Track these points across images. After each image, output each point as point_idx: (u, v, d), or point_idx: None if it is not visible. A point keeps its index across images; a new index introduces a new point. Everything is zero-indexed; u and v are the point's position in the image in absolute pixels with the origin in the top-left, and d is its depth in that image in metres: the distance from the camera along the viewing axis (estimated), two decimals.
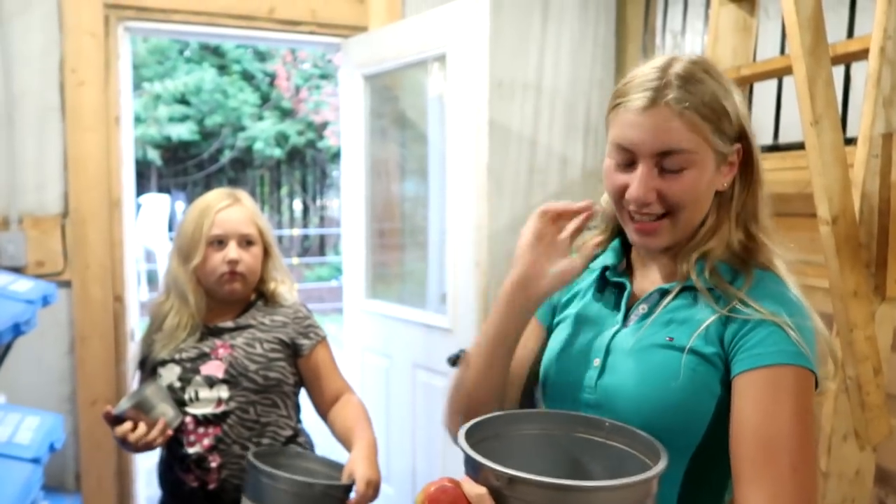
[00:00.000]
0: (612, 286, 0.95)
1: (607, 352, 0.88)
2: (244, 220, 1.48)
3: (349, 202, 2.78)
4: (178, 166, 11.64)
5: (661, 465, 0.71)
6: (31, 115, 2.26)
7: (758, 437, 0.76)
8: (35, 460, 1.63)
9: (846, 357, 1.49)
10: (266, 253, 1.52)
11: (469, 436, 0.75)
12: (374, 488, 1.29)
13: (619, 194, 0.88)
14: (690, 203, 0.85)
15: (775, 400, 0.77)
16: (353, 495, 1.28)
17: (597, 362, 0.88)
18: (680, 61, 0.85)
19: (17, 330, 1.37)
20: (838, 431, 1.63)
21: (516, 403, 1.01)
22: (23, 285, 1.70)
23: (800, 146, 1.89)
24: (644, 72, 0.85)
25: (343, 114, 2.80)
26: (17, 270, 2.17)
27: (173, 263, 1.48)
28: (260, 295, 1.54)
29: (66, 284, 2.30)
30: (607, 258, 0.97)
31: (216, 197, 1.50)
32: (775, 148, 2.04)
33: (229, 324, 1.48)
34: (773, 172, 0.87)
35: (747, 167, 0.89)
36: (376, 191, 2.81)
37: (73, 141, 2.28)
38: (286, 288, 1.53)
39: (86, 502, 2.31)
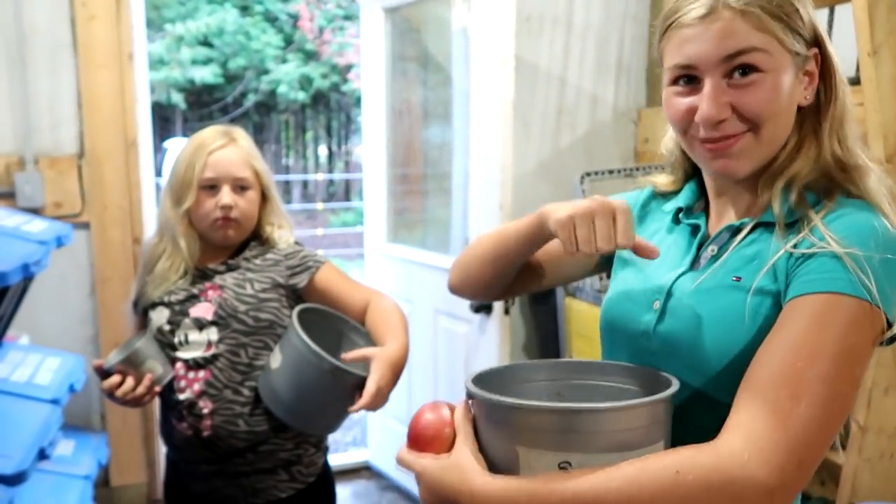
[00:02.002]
0: (685, 227, 0.87)
1: (668, 294, 0.80)
2: (238, 163, 1.39)
3: (370, 143, 2.71)
4: (203, 110, 11.59)
5: (669, 391, 0.70)
6: (43, 53, 2.20)
7: (776, 363, 0.65)
8: (54, 401, 1.63)
9: None
10: (263, 197, 1.44)
11: (480, 382, 0.75)
12: (381, 397, 1.23)
13: (687, 121, 0.77)
14: (772, 115, 0.75)
15: (816, 330, 0.65)
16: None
17: (656, 305, 0.81)
18: None
19: (26, 270, 1.33)
20: (879, 384, 1.56)
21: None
22: (37, 226, 1.67)
23: (851, 82, 1.76)
24: None
25: (363, 51, 2.69)
26: (36, 212, 2.15)
27: (166, 204, 1.41)
28: (255, 237, 1.47)
29: (85, 226, 2.28)
30: (681, 199, 0.89)
31: (210, 135, 1.40)
32: None
33: (220, 266, 1.42)
34: None
35: (827, 78, 0.79)
36: (399, 133, 2.72)
37: (87, 79, 2.23)
38: (283, 231, 1.45)
39: (111, 441, 2.34)
